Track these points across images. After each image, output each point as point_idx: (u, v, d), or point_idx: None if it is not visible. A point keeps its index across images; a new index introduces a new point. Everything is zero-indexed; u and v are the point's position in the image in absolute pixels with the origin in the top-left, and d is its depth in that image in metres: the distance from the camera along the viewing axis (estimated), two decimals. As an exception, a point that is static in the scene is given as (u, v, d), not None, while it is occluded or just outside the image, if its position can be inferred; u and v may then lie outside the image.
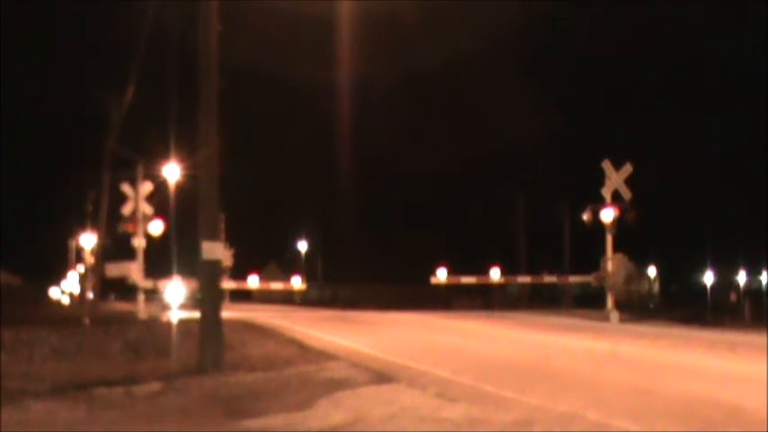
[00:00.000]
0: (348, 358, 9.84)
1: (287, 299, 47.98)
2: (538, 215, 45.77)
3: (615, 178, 21.75)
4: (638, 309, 27.70)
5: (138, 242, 23.29)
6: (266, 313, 23.49)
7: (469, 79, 59.94)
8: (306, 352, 10.70)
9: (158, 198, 24.03)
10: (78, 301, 40.84)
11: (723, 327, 22.70)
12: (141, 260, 23.32)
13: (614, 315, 21.05)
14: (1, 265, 53.17)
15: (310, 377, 8.26)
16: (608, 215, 21.51)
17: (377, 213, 61.73)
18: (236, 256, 31.24)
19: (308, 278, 42.84)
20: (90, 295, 27.52)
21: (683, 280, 61.33)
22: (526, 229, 45.86)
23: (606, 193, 21.71)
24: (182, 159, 23.40)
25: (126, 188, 23.41)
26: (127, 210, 23.38)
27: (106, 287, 30.56)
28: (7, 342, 11.12)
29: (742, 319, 33.47)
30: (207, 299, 9.33)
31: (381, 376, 8.14)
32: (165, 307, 23.99)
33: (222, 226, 23.42)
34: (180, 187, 23.96)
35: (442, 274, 28.67)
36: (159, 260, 24.11)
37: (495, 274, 28.80)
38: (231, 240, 30.47)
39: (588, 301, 32.47)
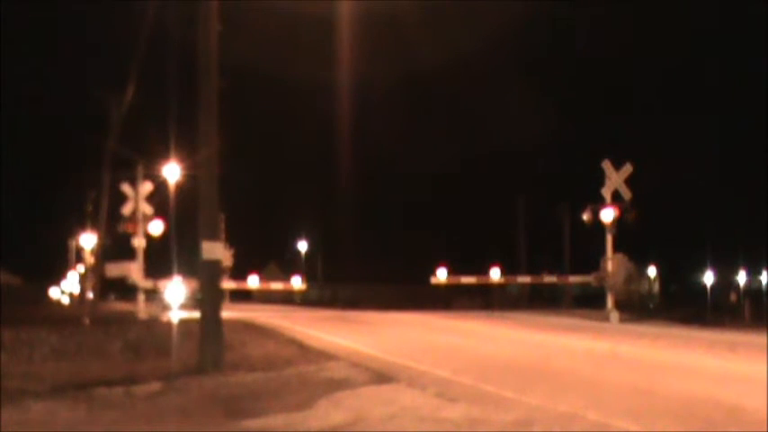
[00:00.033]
0: (348, 358, 9.84)
1: (287, 299, 47.98)
2: (538, 215, 45.84)
3: (615, 178, 21.75)
4: (638, 309, 27.69)
5: (138, 242, 23.29)
6: (266, 313, 23.49)
7: (469, 79, 60.10)
8: (306, 352, 10.70)
9: (158, 198, 24.05)
10: (78, 301, 40.84)
11: (723, 327, 22.70)
12: (141, 260, 23.32)
13: (614, 315, 21.05)
14: (1, 265, 53.17)
15: (310, 377, 8.26)
16: (608, 215, 21.51)
17: (377, 213, 61.82)
18: (236, 256, 31.23)
19: (308, 278, 42.83)
20: (90, 295, 27.54)
21: (683, 280, 61.36)
22: (526, 229, 45.91)
23: (606, 193, 21.71)
24: (182, 159, 23.42)
25: (126, 188, 23.42)
26: (127, 210, 23.38)
27: (106, 287, 30.59)
28: (7, 342, 11.12)
29: (742, 319, 33.47)
30: (207, 299, 9.33)
31: (381, 376, 8.14)
32: (166, 307, 23.99)
33: (222, 226, 23.42)
34: (180, 187, 23.97)
35: (442, 274, 28.65)
36: (159, 260, 24.12)
37: (495, 274, 28.79)
38: (231, 240, 30.47)
39: (588, 301, 32.48)
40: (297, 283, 35.72)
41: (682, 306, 36.79)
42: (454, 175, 60.00)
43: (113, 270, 23.99)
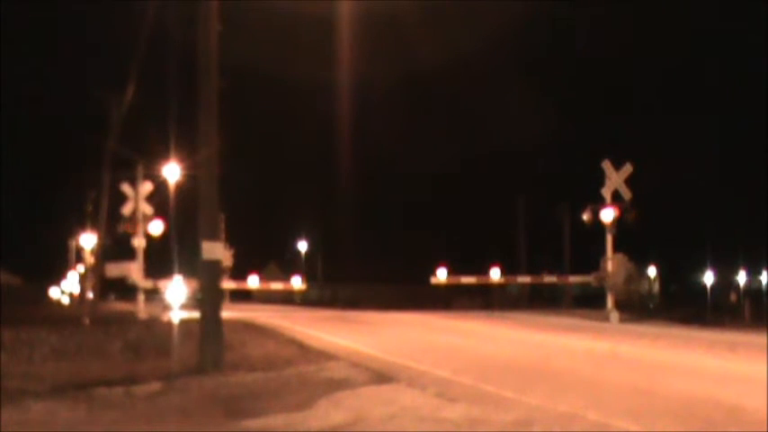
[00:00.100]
0: (348, 358, 9.84)
1: (287, 299, 47.99)
2: (538, 215, 45.85)
3: (615, 178, 21.75)
4: (638, 309, 27.68)
5: (138, 242, 23.30)
6: (266, 313, 23.49)
7: (469, 79, 60.12)
8: (306, 352, 10.70)
9: (158, 198, 24.06)
10: (78, 301, 40.83)
11: (723, 327, 22.69)
12: (141, 260, 23.33)
13: (614, 315, 21.05)
14: (1, 265, 53.17)
15: (310, 377, 8.26)
16: (608, 215, 21.52)
17: (377, 213, 61.83)
18: (236, 256, 31.25)
19: (308, 278, 42.83)
20: (90, 295, 27.53)
21: (683, 280, 61.37)
22: (526, 229, 45.92)
23: (606, 193, 21.71)
24: (182, 159, 23.44)
25: (126, 188, 23.43)
26: (127, 210, 23.39)
27: (106, 287, 30.59)
28: (7, 342, 11.12)
29: (742, 319, 33.45)
30: (207, 299, 9.33)
31: (381, 376, 8.14)
32: (167, 307, 24.01)
33: (222, 226, 23.43)
34: (180, 187, 23.99)
35: (442, 274, 28.66)
36: (159, 260, 24.13)
37: (495, 274, 28.80)
38: (231, 240, 30.49)
39: (588, 301, 32.48)
40: (297, 283, 35.73)
41: (682, 306, 36.77)
42: (454, 175, 60.09)
43: (113, 270, 24.00)
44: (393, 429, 5.60)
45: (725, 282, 57.29)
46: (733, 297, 51.05)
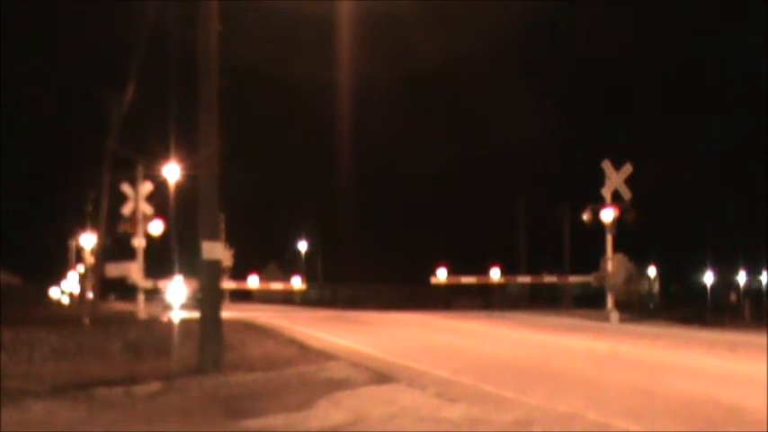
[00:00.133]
0: (348, 358, 9.84)
1: (287, 299, 48.00)
2: (538, 215, 45.85)
3: (615, 178, 21.76)
4: (638, 309, 27.70)
5: (138, 242, 23.30)
6: (266, 313, 23.49)
7: (469, 79, 60.09)
8: (306, 352, 10.70)
9: (158, 198, 24.06)
10: (78, 301, 40.84)
11: (723, 327, 22.69)
12: (141, 260, 23.33)
13: (614, 315, 21.05)
14: (1, 265, 53.16)
15: (310, 377, 8.26)
16: (608, 215, 21.52)
17: (377, 213, 61.83)
18: (236, 256, 31.26)
19: (308, 278, 42.85)
20: (90, 295, 27.54)
21: (683, 280, 61.38)
22: (526, 229, 45.92)
23: (606, 193, 21.72)
24: (182, 159, 23.44)
25: (126, 188, 23.43)
26: (127, 210, 23.40)
27: (106, 287, 30.56)
28: (7, 342, 11.12)
29: (742, 319, 33.42)
30: (207, 299, 9.33)
31: (381, 376, 8.14)
32: (167, 307, 24.01)
33: (222, 226, 23.43)
34: (180, 187, 23.98)
35: (442, 274, 28.67)
36: (159, 260, 24.13)
37: (495, 274, 28.81)
38: (231, 240, 30.49)
39: (588, 301, 32.50)
40: (297, 283, 35.75)
41: (682, 306, 36.75)
42: (454, 175, 60.10)
43: (113, 270, 24.00)
44: (393, 429, 5.60)
45: (725, 282, 57.30)
46: (733, 297, 51.05)
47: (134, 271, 23.31)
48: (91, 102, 22.77)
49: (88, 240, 36.29)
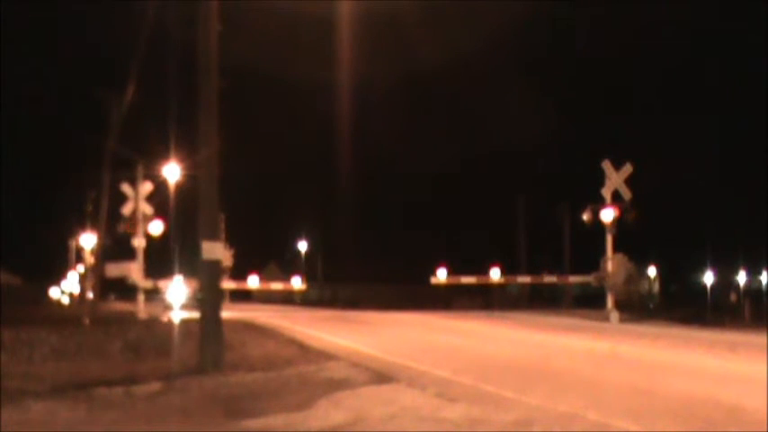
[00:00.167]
0: (348, 358, 9.84)
1: (287, 299, 48.00)
2: (538, 215, 45.86)
3: (615, 178, 21.76)
4: (638, 309, 27.69)
5: (138, 242, 23.30)
6: (266, 313, 23.49)
7: (469, 79, 60.09)
8: (306, 352, 10.70)
9: (158, 198, 24.07)
10: (78, 301, 40.84)
11: (723, 327, 22.69)
12: (141, 260, 23.33)
13: (614, 315, 21.05)
14: (1, 265, 53.15)
15: (310, 377, 8.26)
16: (608, 215, 21.52)
17: (377, 213, 61.84)
18: (236, 256, 31.26)
19: (308, 278, 42.85)
20: (90, 295, 27.53)
21: (683, 280, 61.38)
22: (526, 229, 45.93)
23: (606, 193, 21.72)
24: (182, 159, 23.46)
25: (126, 188, 23.43)
26: (127, 210, 23.40)
27: (106, 287, 30.56)
28: (7, 342, 11.12)
29: (742, 319, 33.42)
30: (207, 299, 9.33)
31: (381, 376, 8.14)
32: (168, 307, 24.02)
33: (222, 226, 23.43)
34: (180, 187, 24.00)
35: (442, 274, 28.68)
36: (159, 260, 24.15)
37: (495, 274, 28.81)
38: (231, 240, 30.50)
39: (588, 301, 32.50)
40: (297, 283, 35.76)
41: (682, 306, 36.75)
42: (454, 175, 60.12)
43: (113, 270, 24.00)
44: (393, 429, 5.60)
45: (725, 282, 57.29)
46: (733, 297, 51.04)
47: (134, 271, 23.32)
48: (91, 102, 22.78)
49: (88, 240, 36.30)
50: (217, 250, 9.39)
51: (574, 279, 30.01)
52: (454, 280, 29.21)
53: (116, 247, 25.39)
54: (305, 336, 13.69)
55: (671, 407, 6.36)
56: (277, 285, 39.44)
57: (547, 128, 49.77)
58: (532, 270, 36.50)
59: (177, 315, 20.44)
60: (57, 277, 61.11)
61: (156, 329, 14.47)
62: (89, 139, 23.41)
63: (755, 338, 14.54)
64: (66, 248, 52.21)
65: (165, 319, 20.01)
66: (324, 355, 10.13)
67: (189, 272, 22.52)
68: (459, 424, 5.66)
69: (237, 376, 8.26)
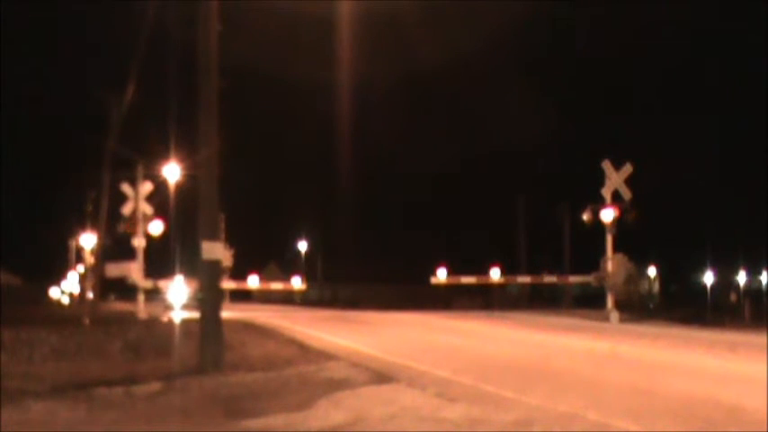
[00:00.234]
0: (348, 358, 9.84)
1: (287, 299, 48.00)
2: (538, 215, 45.86)
3: (615, 178, 21.76)
4: (638, 309, 27.70)
5: (138, 242, 23.31)
6: (266, 313, 23.49)
7: (469, 79, 60.09)
8: (306, 352, 10.70)
9: (158, 198, 24.07)
10: (78, 301, 40.84)
11: (723, 327, 22.69)
12: (141, 260, 23.34)
13: (614, 315, 21.06)
14: (1, 265, 53.16)
15: (310, 377, 8.26)
16: (608, 215, 21.52)
17: (377, 213, 61.85)
18: (236, 256, 31.23)
19: (308, 278, 42.84)
20: (90, 295, 27.53)
21: (683, 280, 61.39)
22: (526, 229, 45.93)
23: (606, 193, 21.72)
24: (182, 159, 23.47)
25: (126, 188, 23.44)
26: (127, 210, 23.40)
27: (106, 287, 30.56)
28: (7, 342, 11.12)
29: (742, 319, 33.43)
30: (207, 299, 9.33)
31: (381, 376, 8.13)
32: (168, 307, 24.02)
33: (222, 226, 23.43)
34: (180, 187, 24.01)
35: (442, 274, 28.68)
36: (159, 260, 24.15)
37: (495, 274, 28.82)
38: (231, 240, 30.47)
39: (588, 301, 32.51)
40: (297, 283, 35.75)
41: (682, 306, 36.76)
42: (454, 175, 60.15)
43: (113, 270, 24.00)
44: (393, 429, 5.60)
45: (725, 282, 57.30)
46: (733, 297, 51.05)
47: (134, 271, 23.32)
48: (91, 102, 22.79)
49: (88, 240, 36.30)
50: (217, 250, 9.39)
51: (574, 279, 30.01)
52: (454, 280, 29.21)
53: (116, 247, 25.41)
54: (305, 336, 13.69)
55: (671, 407, 6.36)
56: (277, 285, 39.45)
57: (547, 128, 49.80)
58: (532, 270, 36.52)
59: (178, 315, 20.43)
60: (57, 277, 61.14)
61: (156, 329, 14.47)
62: (89, 139, 23.42)
63: (755, 338, 14.55)
64: (66, 248, 52.23)
65: (165, 319, 20.01)
66: (324, 355, 10.13)
67: (189, 272, 22.53)
68: (459, 424, 5.66)
69: (237, 376, 8.26)
